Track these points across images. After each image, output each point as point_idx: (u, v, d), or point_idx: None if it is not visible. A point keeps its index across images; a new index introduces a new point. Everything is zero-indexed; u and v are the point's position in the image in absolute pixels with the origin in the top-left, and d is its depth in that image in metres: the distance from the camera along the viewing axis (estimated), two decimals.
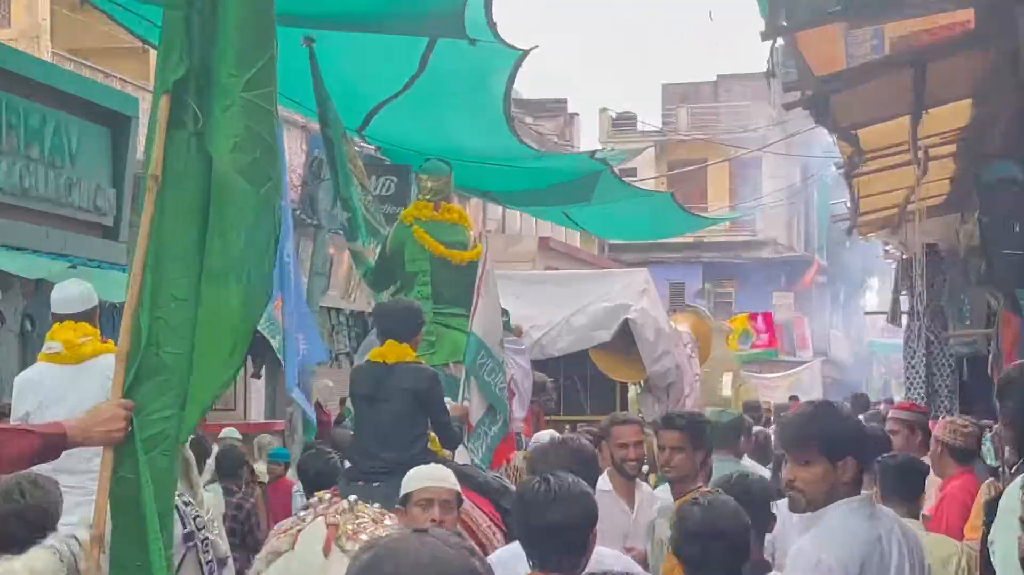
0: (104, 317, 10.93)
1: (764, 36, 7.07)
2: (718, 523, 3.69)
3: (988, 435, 8.06)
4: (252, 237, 3.89)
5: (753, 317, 31.89)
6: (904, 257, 14.19)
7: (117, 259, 12.32)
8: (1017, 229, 5.74)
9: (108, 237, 13.17)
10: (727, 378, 17.34)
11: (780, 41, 7.74)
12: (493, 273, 8.51)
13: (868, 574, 3.63)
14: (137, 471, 3.77)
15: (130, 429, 3.76)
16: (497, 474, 7.28)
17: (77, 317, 6.41)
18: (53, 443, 3.72)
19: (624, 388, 13.47)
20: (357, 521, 5.92)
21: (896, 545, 3.72)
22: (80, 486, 5.55)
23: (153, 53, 15.48)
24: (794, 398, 22.20)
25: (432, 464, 5.51)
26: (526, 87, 40.77)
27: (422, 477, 5.19)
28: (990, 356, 9.64)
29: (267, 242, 3.95)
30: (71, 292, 6.60)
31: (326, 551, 5.77)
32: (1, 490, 4.86)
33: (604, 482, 6.11)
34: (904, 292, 13.93)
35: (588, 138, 41.62)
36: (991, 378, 9.43)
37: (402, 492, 5.13)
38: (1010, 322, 6.48)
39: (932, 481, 7.48)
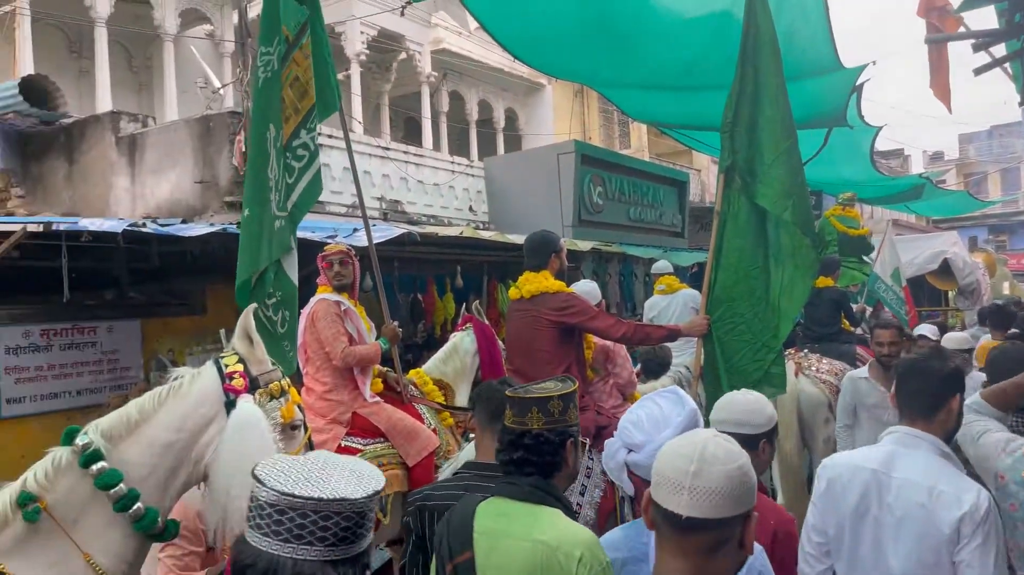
0: (680, 274, 15.12)
1: None
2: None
3: None
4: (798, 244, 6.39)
5: None
6: None
7: (683, 247, 20.02)
8: None
9: (678, 236, 21.39)
10: (1006, 285, 22.38)
11: None
12: (892, 247, 13.21)
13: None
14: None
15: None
16: None
17: (675, 273, 10.30)
18: (673, 336, 6.56)
19: (946, 293, 20.52)
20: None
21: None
22: None
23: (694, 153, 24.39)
24: None
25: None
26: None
27: None
28: None
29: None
30: (660, 265, 10.68)
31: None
32: None
33: (864, 370, 7.75)
34: None
35: (914, 169, 52.99)
36: None
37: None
38: None
39: None
